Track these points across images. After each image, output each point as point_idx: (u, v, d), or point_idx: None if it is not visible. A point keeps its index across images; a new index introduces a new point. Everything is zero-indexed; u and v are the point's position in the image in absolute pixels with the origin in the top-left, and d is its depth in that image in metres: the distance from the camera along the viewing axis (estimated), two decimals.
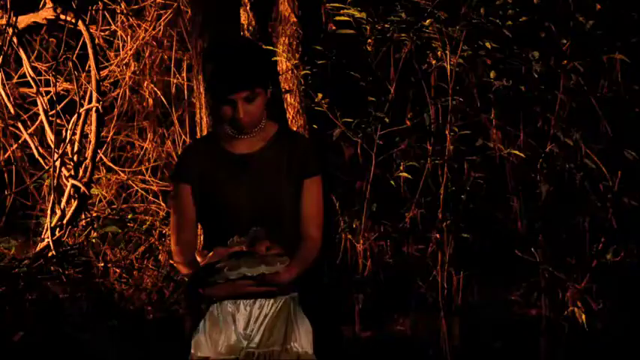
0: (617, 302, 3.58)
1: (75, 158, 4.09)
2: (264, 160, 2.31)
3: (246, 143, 2.32)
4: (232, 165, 2.30)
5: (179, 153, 4.00)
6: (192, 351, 2.26)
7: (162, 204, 4.74)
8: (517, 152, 3.60)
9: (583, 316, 3.43)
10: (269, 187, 2.29)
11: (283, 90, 3.90)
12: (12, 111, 4.23)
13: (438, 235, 3.59)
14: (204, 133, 3.34)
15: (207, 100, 3.32)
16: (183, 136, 4.84)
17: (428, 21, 3.47)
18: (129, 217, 4.51)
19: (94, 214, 4.38)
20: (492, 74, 3.58)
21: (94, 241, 4.25)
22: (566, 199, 3.61)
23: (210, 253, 2.19)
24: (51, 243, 3.93)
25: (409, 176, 3.65)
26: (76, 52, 4.26)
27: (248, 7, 3.87)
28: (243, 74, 2.21)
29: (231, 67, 2.21)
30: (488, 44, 3.51)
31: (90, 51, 4.06)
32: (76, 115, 4.05)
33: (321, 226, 2.33)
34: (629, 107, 3.65)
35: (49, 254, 3.91)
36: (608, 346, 3.55)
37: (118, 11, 4.70)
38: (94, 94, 4.04)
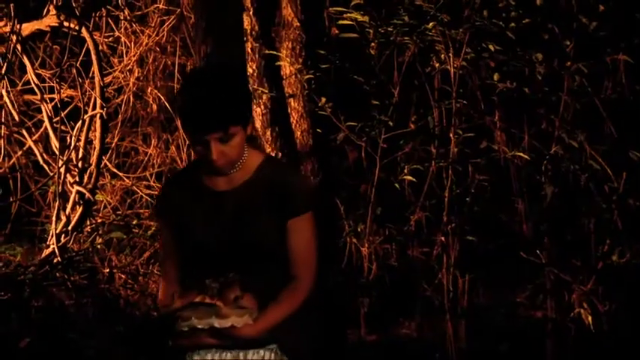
0: (623, 304, 3.57)
1: (79, 165, 4.10)
2: (244, 198, 2.06)
3: (226, 179, 2.09)
4: (209, 203, 2.08)
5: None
6: None
7: None
8: (521, 154, 3.60)
9: (589, 318, 3.43)
10: (249, 228, 2.04)
11: (287, 94, 3.90)
12: (16, 118, 4.24)
13: (443, 238, 3.58)
14: None
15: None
16: (188, 142, 4.85)
17: (431, 24, 3.47)
18: (134, 222, 4.52)
19: (99, 220, 4.38)
20: (496, 76, 3.58)
21: (99, 247, 4.25)
22: (571, 200, 3.61)
23: (176, 300, 2.02)
24: (56, 249, 3.93)
25: (414, 179, 3.64)
26: (80, 58, 4.27)
27: (251, 12, 3.87)
28: (216, 114, 1.94)
29: (202, 106, 1.95)
30: (491, 46, 3.52)
31: (93, 57, 4.07)
32: (80, 121, 4.06)
33: (312, 268, 2.08)
34: (633, 108, 3.64)
35: (55, 261, 3.91)
36: (615, 348, 3.54)
37: (122, 18, 4.71)
38: (98, 101, 4.05)
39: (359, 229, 3.72)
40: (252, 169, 2.08)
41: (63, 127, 4.14)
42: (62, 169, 3.98)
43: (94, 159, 4.09)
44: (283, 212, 2.04)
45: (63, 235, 4.00)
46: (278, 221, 2.04)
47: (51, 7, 4.14)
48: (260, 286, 2.01)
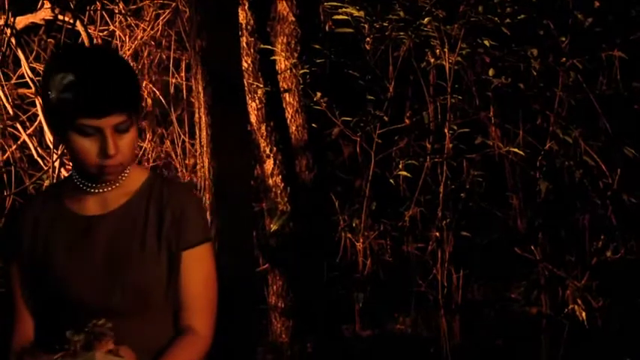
0: (617, 300, 3.58)
1: None
2: (121, 225, 1.61)
3: (99, 200, 1.63)
4: (74, 233, 1.61)
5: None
6: None
7: None
8: (516, 150, 3.60)
9: (583, 314, 3.43)
10: (127, 264, 1.58)
11: (282, 89, 3.90)
12: (10, 112, 4.23)
13: (437, 234, 3.59)
14: (204, 132, 3.34)
15: (206, 99, 3.33)
16: (183, 136, 4.84)
17: (426, 19, 3.47)
18: None
19: None
20: (491, 72, 3.58)
21: None
22: (565, 196, 3.61)
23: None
24: None
25: (408, 175, 3.64)
26: None
27: (246, 7, 3.86)
28: (118, 90, 1.53)
29: (101, 78, 1.52)
30: (486, 42, 3.51)
31: None
32: None
33: (211, 316, 1.63)
34: (628, 104, 3.65)
35: None
36: (609, 344, 3.55)
37: (116, 11, 4.69)
38: None
39: (354, 225, 3.72)
40: (133, 187, 1.64)
41: None
42: (57, 163, 3.97)
43: None
44: (176, 242, 1.58)
45: None
46: (167, 253, 1.58)
47: (45, 1, 4.13)
48: (141, 338, 1.57)
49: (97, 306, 1.57)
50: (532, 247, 3.60)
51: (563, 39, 3.53)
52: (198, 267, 1.62)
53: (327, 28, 4.11)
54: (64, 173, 4.05)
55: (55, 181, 3.96)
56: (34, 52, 4.68)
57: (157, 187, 1.65)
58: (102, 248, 1.60)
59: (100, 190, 1.63)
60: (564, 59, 3.53)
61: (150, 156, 4.88)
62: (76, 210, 1.64)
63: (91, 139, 1.55)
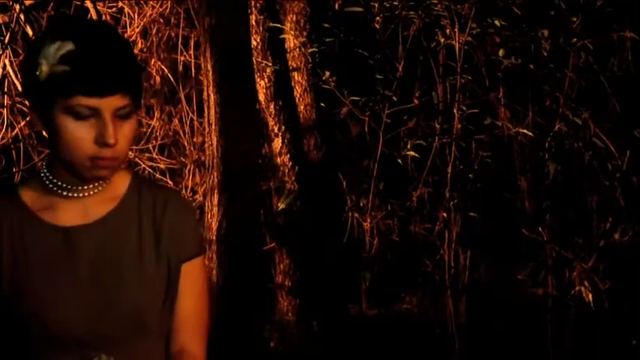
0: (624, 282, 3.58)
1: None
2: (109, 237, 1.35)
3: (78, 207, 1.34)
4: (51, 248, 1.32)
5: None
6: None
7: (170, 182, 4.74)
8: (525, 131, 3.59)
9: (590, 296, 3.43)
10: (121, 281, 1.33)
11: (291, 68, 3.88)
12: (19, 88, 4.23)
13: (445, 214, 3.58)
14: (212, 110, 3.33)
15: (214, 77, 3.32)
16: (191, 114, 4.84)
17: None
18: None
19: None
20: (501, 52, 3.56)
21: None
22: (574, 178, 3.60)
23: None
24: None
25: (417, 155, 3.64)
26: None
27: None
28: (123, 67, 1.28)
29: (105, 51, 1.27)
30: (497, 22, 3.49)
31: None
32: None
33: (205, 336, 1.43)
34: (639, 86, 3.62)
35: None
36: (615, 326, 3.55)
37: None
38: None
39: (361, 204, 3.72)
40: (118, 193, 1.37)
41: None
42: None
43: None
44: (174, 254, 1.37)
45: None
46: (164, 267, 1.36)
47: None
48: None
49: (84, 334, 1.30)
50: (540, 229, 3.59)
51: (574, 19, 3.50)
52: (195, 280, 1.40)
53: (336, 6, 4.09)
54: None
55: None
56: (43, 29, 4.67)
57: (145, 192, 1.38)
58: (87, 265, 1.32)
59: (80, 195, 1.34)
60: (575, 40, 3.50)
61: (158, 134, 4.88)
62: (49, 219, 1.33)
63: (85, 124, 1.27)
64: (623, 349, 3.49)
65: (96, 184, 1.35)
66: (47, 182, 1.35)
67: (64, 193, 1.35)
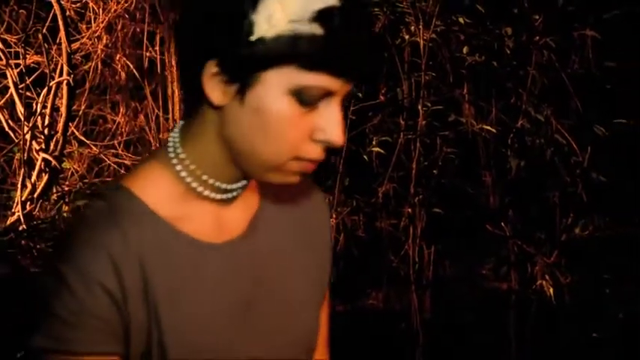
0: (585, 276, 3.63)
1: (46, 132, 4.05)
2: (267, 250, 1.03)
3: (222, 214, 1.00)
4: (206, 271, 0.98)
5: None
6: None
7: None
8: (489, 127, 3.63)
9: (550, 290, 3.48)
10: (298, 304, 1.05)
11: None
12: None
13: (410, 210, 3.61)
14: (176, 107, 3.31)
15: (179, 73, 3.29)
16: (157, 110, 4.81)
17: None
18: None
19: (66, 188, 4.35)
20: (465, 49, 3.59)
21: (65, 215, 4.22)
22: (536, 173, 3.64)
23: None
24: (21, 217, 3.90)
25: (382, 151, 3.66)
26: (47, 24, 4.20)
27: None
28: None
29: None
30: (461, 19, 3.52)
31: (60, 23, 4.01)
32: (46, 88, 4.01)
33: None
34: (599, 84, 3.68)
35: (20, 228, 3.89)
36: (575, 320, 3.60)
37: None
38: (65, 67, 4.00)
39: (326, 200, 3.73)
40: (255, 194, 1.04)
41: (29, 94, 4.08)
42: (28, 136, 3.94)
43: (60, 126, 4.05)
44: (329, 267, 1.12)
45: (28, 203, 3.97)
46: (325, 280, 1.11)
47: None
48: None
49: None
50: (502, 224, 3.63)
51: (537, 17, 3.54)
52: (327, 297, 1.16)
53: None
54: (35, 146, 4.02)
55: (25, 154, 3.92)
56: (5, 23, 4.62)
57: (276, 188, 1.02)
58: (246, 284, 0.99)
59: (228, 197, 0.98)
60: (537, 38, 3.55)
61: (123, 130, 4.85)
62: (190, 231, 0.95)
63: (308, 113, 0.91)
64: (583, 342, 3.55)
65: (244, 182, 0.99)
66: (188, 178, 0.95)
67: (210, 194, 0.96)
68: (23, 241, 3.82)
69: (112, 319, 0.92)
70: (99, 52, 4.74)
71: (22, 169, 3.92)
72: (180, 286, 0.95)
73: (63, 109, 4.02)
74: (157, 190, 0.95)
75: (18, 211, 3.93)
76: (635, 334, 3.44)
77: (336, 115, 0.93)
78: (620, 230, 3.71)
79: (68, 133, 4.19)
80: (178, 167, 0.96)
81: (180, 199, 0.96)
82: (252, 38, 0.88)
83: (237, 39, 0.88)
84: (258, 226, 1.02)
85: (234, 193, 0.99)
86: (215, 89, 0.92)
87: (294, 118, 0.91)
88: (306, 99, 0.90)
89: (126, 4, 4.70)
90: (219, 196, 0.98)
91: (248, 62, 0.89)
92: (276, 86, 0.89)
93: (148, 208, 0.94)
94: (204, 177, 0.96)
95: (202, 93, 0.92)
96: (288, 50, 0.87)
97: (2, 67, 4.28)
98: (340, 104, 0.94)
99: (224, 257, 0.98)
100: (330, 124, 0.92)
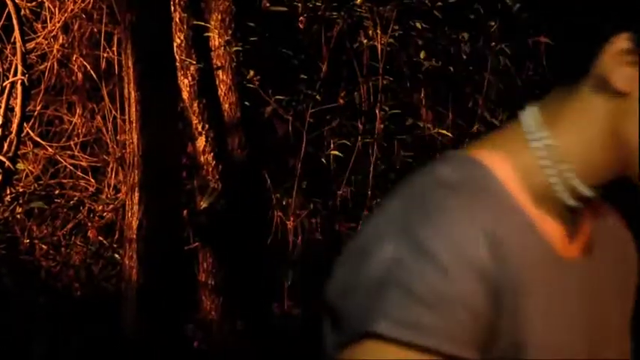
0: None
1: None
2: (608, 282, 0.89)
3: (575, 227, 0.83)
4: (576, 302, 0.82)
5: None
6: None
7: (92, 180, 4.66)
8: (445, 132, 3.67)
9: None
10: (619, 347, 0.92)
11: (215, 66, 3.87)
12: None
13: (367, 213, 3.63)
14: (133, 108, 3.27)
15: (135, 75, 3.27)
16: (114, 112, 4.77)
17: (359, 0, 3.49)
18: (56, 192, 4.43)
19: (20, 190, 4.29)
20: (422, 54, 3.63)
21: (19, 217, 4.16)
22: None
23: None
24: None
25: (340, 154, 3.68)
26: (1, 23, 4.14)
27: None
28: None
29: None
30: (418, 24, 3.56)
31: (15, 22, 3.95)
32: (0, 88, 3.95)
33: None
34: (552, 89, 3.75)
35: None
36: None
37: None
38: (19, 67, 3.94)
39: (284, 203, 3.73)
40: (598, 208, 0.87)
41: None
42: None
43: (14, 127, 3.99)
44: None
45: None
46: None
47: None
48: None
49: None
50: None
51: (493, 24, 3.60)
52: None
53: (261, 6, 4.09)
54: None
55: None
56: None
57: (606, 213, 0.88)
58: (583, 296, 0.84)
59: (581, 204, 0.81)
60: (493, 44, 3.60)
61: (80, 131, 4.79)
62: (549, 239, 0.79)
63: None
64: None
65: (598, 192, 0.82)
66: (550, 170, 0.78)
67: (563, 196, 0.78)
68: None
69: (482, 315, 0.72)
70: (55, 52, 4.68)
71: None
72: (547, 301, 0.77)
73: (17, 110, 3.96)
74: (515, 173, 0.78)
75: None
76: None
77: None
78: None
79: (23, 134, 4.13)
80: (541, 153, 0.77)
81: (533, 192, 0.78)
82: None
83: None
84: (593, 248, 0.84)
85: (584, 204, 0.80)
86: (619, 71, 0.74)
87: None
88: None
89: (83, 4, 4.66)
90: (571, 202, 0.78)
91: None
92: None
93: (509, 192, 0.77)
94: (568, 174, 0.77)
95: (590, 72, 0.75)
96: None
97: None
98: None
99: (575, 275, 0.81)
100: None
